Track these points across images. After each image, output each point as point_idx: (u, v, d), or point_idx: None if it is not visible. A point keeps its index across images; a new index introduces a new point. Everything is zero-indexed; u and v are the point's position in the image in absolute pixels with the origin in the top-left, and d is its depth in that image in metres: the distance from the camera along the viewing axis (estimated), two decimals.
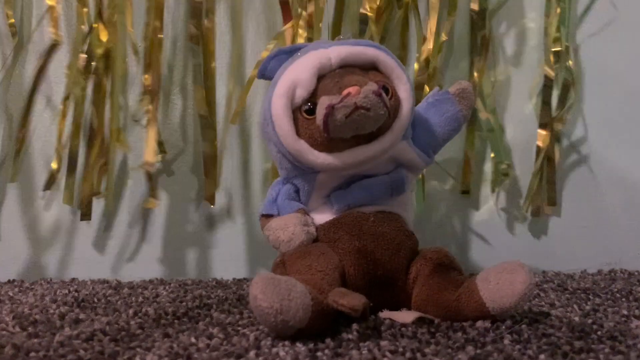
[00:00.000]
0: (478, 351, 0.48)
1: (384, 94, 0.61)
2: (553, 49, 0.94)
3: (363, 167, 0.65)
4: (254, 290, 0.50)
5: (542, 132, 0.94)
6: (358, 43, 0.66)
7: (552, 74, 0.94)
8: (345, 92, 0.60)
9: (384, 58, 0.65)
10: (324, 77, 0.64)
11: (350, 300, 0.53)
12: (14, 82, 0.95)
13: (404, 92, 0.65)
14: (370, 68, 0.65)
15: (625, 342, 0.50)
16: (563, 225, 0.97)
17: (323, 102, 0.60)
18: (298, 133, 0.64)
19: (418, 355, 0.47)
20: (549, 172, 0.95)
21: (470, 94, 0.70)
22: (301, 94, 0.63)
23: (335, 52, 0.64)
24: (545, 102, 0.94)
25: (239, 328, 0.57)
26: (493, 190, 0.96)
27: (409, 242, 0.65)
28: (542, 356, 0.46)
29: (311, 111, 0.63)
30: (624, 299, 0.70)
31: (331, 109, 0.59)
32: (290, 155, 0.64)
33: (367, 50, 0.65)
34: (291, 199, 0.68)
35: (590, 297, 0.72)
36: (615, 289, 0.76)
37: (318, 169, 0.65)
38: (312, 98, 0.63)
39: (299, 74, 0.64)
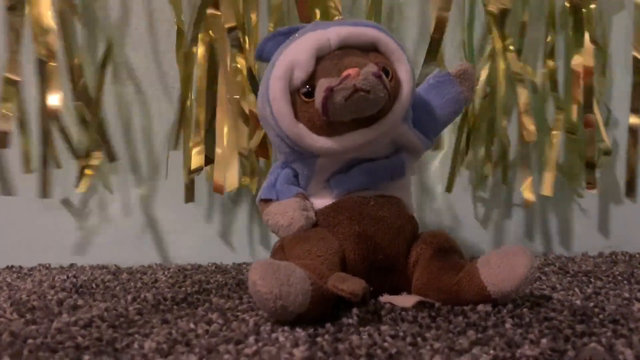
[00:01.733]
0: (479, 335, 0.47)
1: (384, 76, 0.59)
2: None
3: (363, 151, 0.64)
4: (253, 275, 0.50)
5: None
6: (357, 24, 0.64)
7: None
8: (344, 73, 0.58)
9: (385, 39, 0.63)
10: (323, 59, 0.62)
11: (350, 284, 0.52)
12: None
13: (405, 73, 0.63)
14: (370, 49, 0.64)
15: (627, 325, 0.50)
16: None
17: (322, 85, 0.59)
18: (296, 116, 0.62)
19: (419, 339, 0.47)
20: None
21: (471, 75, 0.68)
22: (299, 75, 0.62)
23: (334, 33, 0.63)
24: None
25: (238, 313, 0.56)
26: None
27: (409, 226, 0.65)
28: (543, 340, 0.46)
29: (310, 94, 0.61)
30: (625, 282, 0.70)
31: (330, 91, 0.58)
32: (289, 139, 0.63)
33: (367, 31, 0.63)
34: (290, 184, 0.67)
35: (592, 280, 0.71)
36: (617, 272, 0.76)
37: (317, 153, 0.64)
38: (311, 80, 0.62)
39: (297, 55, 0.62)
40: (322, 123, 0.61)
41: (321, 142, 0.62)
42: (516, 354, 0.43)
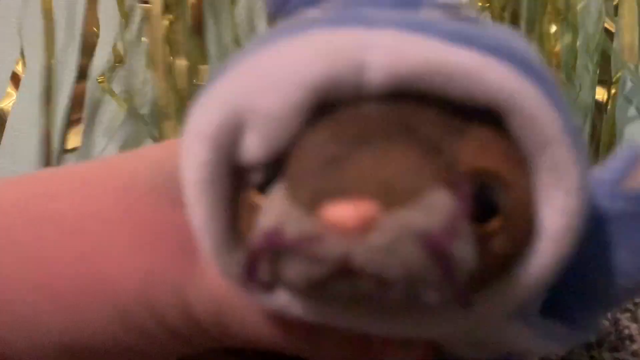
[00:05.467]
0: None
1: (461, 239, 0.16)
2: None
3: None
4: None
5: None
6: (460, 34, 0.18)
7: None
8: (325, 215, 0.16)
9: (530, 101, 0.17)
10: (327, 119, 0.18)
11: None
12: None
13: (557, 213, 0.18)
14: (479, 113, 0.18)
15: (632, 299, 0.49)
16: None
17: (263, 224, 0.17)
18: (237, 229, 0.20)
19: None
20: None
21: None
22: (256, 144, 0.18)
23: (384, 50, 0.17)
24: None
25: None
26: None
27: None
28: None
29: (271, 185, 0.19)
30: None
31: (269, 248, 0.17)
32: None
33: (480, 67, 0.17)
34: None
35: None
36: None
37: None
38: (280, 161, 0.18)
39: (263, 89, 0.18)
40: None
41: (282, 302, 0.20)
42: None
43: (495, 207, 0.17)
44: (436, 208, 0.16)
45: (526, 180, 0.18)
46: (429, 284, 0.16)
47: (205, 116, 0.19)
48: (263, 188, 0.18)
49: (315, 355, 0.22)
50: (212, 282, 0.21)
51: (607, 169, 0.22)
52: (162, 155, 0.24)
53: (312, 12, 0.20)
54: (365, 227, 0.15)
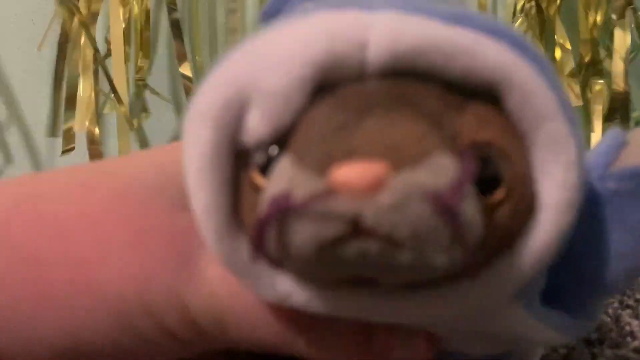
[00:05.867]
0: None
1: (468, 205, 0.16)
2: None
3: None
4: None
5: None
6: (457, 16, 0.18)
7: None
8: (337, 176, 0.16)
9: (524, 75, 0.18)
10: (330, 92, 0.18)
11: None
12: None
13: (556, 187, 0.18)
14: (472, 92, 0.18)
15: (634, 296, 0.48)
16: None
17: (272, 188, 0.17)
18: (237, 213, 0.19)
19: None
20: None
21: None
22: (259, 122, 0.18)
23: (386, 28, 0.17)
24: None
25: None
26: None
27: None
28: None
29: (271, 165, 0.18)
30: None
31: (278, 213, 0.16)
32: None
33: (480, 46, 0.18)
34: None
35: None
36: None
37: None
38: (284, 139, 0.18)
39: (267, 68, 0.18)
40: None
41: (286, 290, 0.20)
42: None
43: (497, 179, 0.18)
44: (443, 169, 0.16)
45: (525, 155, 0.18)
46: (438, 244, 0.16)
47: (207, 98, 0.19)
48: (265, 169, 0.18)
49: (316, 355, 0.21)
50: (210, 285, 0.21)
51: (594, 154, 0.22)
52: (164, 158, 0.24)
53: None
54: (375, 187, 0.15)
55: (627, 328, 0.40)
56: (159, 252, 0.21)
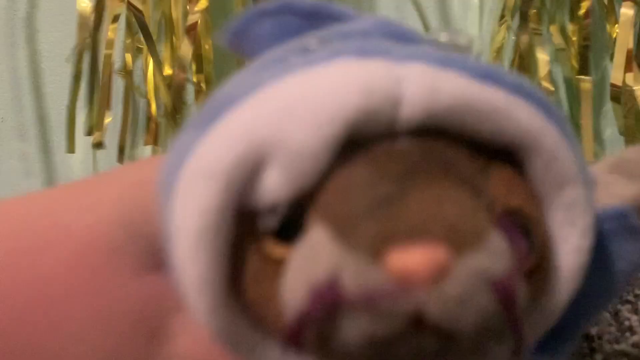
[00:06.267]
0: None
1: (517, 293, 0.16)
2: None
3: None
4: None
5: None
6: (488, 73, 0.17)
7: None
8: (394, 262, 0.14)
9: (554, 142, 0.18)
10: (362, 154, 0.16)
11: None
12: None
13: (572, 252, 0.18)
14: (495, 152, 0.17)
15: (633, 291, 0.49)
16: None
17: (308, 275, 0.15)
18: (234, 285, 0.17)
19: None
20: None
21: None
22: (277, 184, 0.16)
23: (419, 85, 0.16)
24: None
25: None
26: None
27: None
28: None
29: (289, 230, 0.16)
30: None
31: (324, 307, 0.14)
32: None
33: (511, 106, 0.17)
34: None
35: None
36: None
37: None
38: (302, 202, 0.16)
39: (291, 122, 0.16)
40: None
41: None
42: None
43: (529, 246, 0.17)
44: (499, 251, 0.15)
45: (545, 219, 0.18)
46: (498, 335, 0.15)
47: (214, 151, 0.16)
48: (279, 235, 0.16)
49: None
50: None
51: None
52: (133, 192, 0.20)
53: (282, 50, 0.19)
54: (440, 275, 0.13)
55: (626, 323, 0.40)
56: (123, 328, 0.19)
